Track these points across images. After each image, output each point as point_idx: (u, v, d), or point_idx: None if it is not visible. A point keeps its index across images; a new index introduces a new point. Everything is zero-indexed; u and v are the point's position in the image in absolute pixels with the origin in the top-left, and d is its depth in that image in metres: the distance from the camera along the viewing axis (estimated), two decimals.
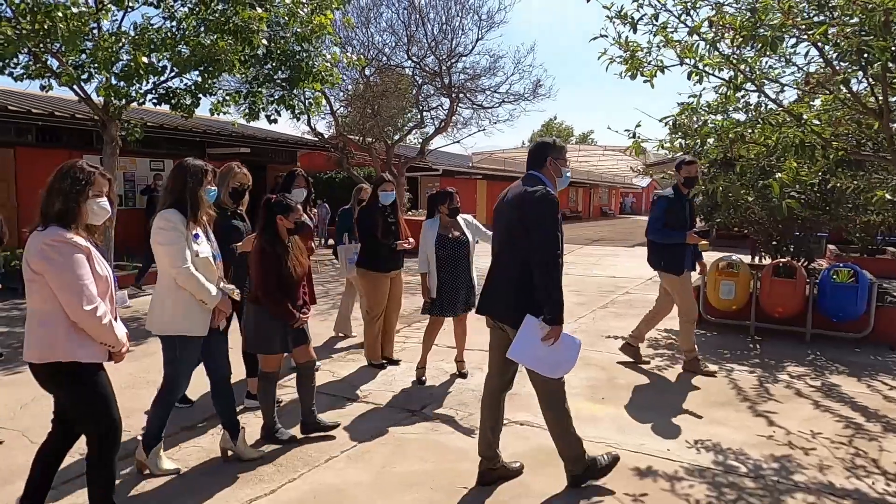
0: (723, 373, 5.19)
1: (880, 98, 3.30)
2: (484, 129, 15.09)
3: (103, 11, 8.07)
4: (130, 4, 8.44)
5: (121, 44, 7.07)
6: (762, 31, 2.88)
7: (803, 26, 2.75)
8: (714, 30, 3.20)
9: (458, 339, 5.09)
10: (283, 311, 3.50)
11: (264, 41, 7.58)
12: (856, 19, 2.60)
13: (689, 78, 3.88)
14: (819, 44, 2.80)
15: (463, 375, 5.00)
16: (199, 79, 7.62)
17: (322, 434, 3.73)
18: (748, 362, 5.52)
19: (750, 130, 3.56)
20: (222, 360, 3.41)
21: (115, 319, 2.54)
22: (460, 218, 4.99)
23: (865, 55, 2.52)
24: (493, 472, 3.16)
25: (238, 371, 3.90)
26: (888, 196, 2.88)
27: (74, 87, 7.87)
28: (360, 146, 14.85)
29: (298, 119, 9.00)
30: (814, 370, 5.30)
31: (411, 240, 5.33)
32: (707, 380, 5.00)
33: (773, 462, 3.45)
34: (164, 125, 12.08)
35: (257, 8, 7.48)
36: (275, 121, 8.54)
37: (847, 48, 2.56)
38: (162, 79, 8.29)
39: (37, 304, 2.43)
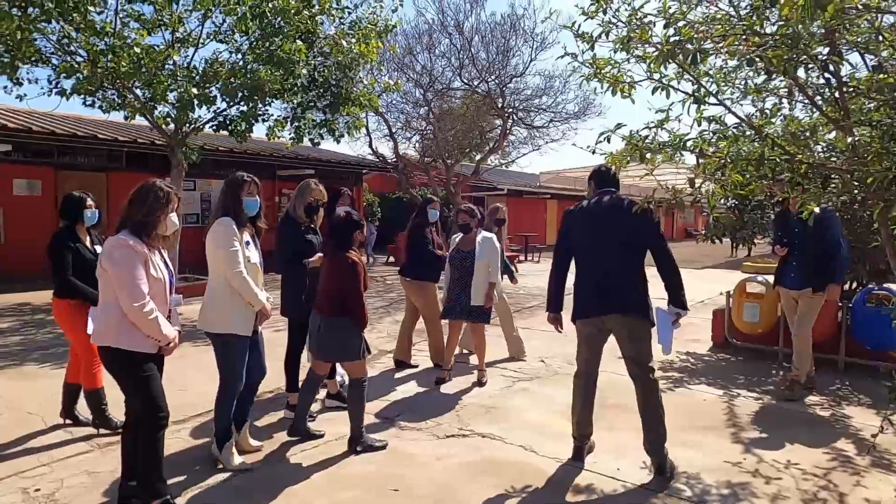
0: (725, 398, 4.95)
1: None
2: (539, 149, 15.11)
3: (174, 48, 9.03)
4: (201, 41, 9.41)
5: (174, 77, 7.86)
6: (688, 45, 2.86)
7: (717, 39, 2.71)
8: (634, 44, 3.20)
9: (450, 344, 5.39)
10: (366, 319, 3.69)
11: (304, 71, 8.17)
12: (759, 28, 2.54)
13: (653, 93, 3.86)
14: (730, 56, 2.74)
15: (440, 380, 5.25)
16: (245, 107, 8.32)
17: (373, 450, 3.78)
18: (760, 389, 5.22)
19: (708, 145, 3.47)
20: (257, 366, 3.64)
21: (169, 318, 2.94)
22: (487, 236, 5.34)
23: (769, 66, 2.45)
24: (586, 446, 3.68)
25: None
26: (816, 209, 2.74)
27: (147, 116, 8.86)
28: (419, 167, 15.32)
29: (338, 142, 9.49)
30: (831, 400, 4.93)
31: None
32: (703, 404, 4.79)
33: (724, 488, 3.30)
34: (233, 149, 13.11)
35: (298, 41, 8.09)
36: (318, 144, 9.13)
37: (741, 59, 2.49)
38: (222, 107, 9.15)
39: (103, 295, 2.90)
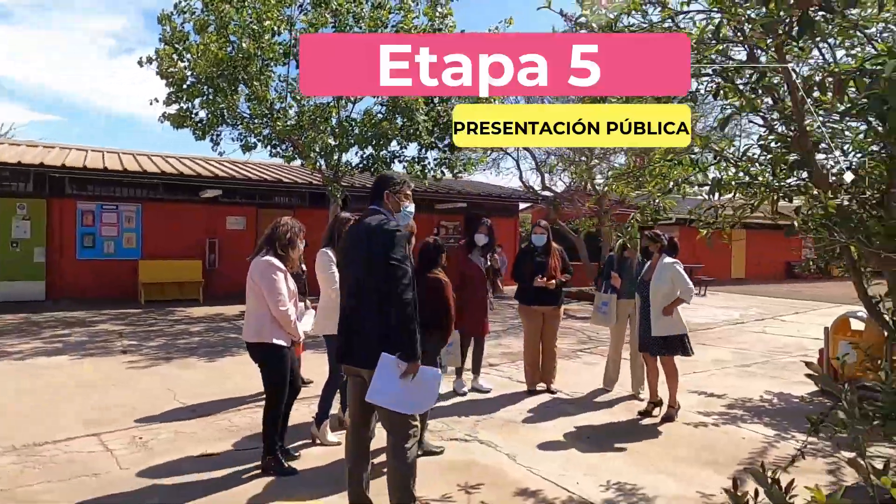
0: (771, 439, 4.59)
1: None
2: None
3: (335, 106, 10.85)
4: (358, 98, 11.14)
5: (317, 130, 9.53)
6: None
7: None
8: None
9: (649, 377, 5.31)
10: (451, 331, 4.18)
11: (423, 117, 9.27)
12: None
13: None
14: None
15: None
16: (375, 152, 9.69)
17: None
18: (826, 433, 4.66)
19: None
20: None
21: (298, 321, 3.96)
22: (668, 261, 5.08)
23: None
24: None
25: None
26: None
27: (306, 161, 10.75)
28: (566, 197, 15.55)
29: (457, 177, 10.37)
30: None
31: (553, 281, 5.74)
32: (736, 441, 4.52)
33: None
34: None
35: None
36: (439, 180, 10.13)
37: None
38: (367, 152, 10.71)
39: (254, 304, 3.84)
